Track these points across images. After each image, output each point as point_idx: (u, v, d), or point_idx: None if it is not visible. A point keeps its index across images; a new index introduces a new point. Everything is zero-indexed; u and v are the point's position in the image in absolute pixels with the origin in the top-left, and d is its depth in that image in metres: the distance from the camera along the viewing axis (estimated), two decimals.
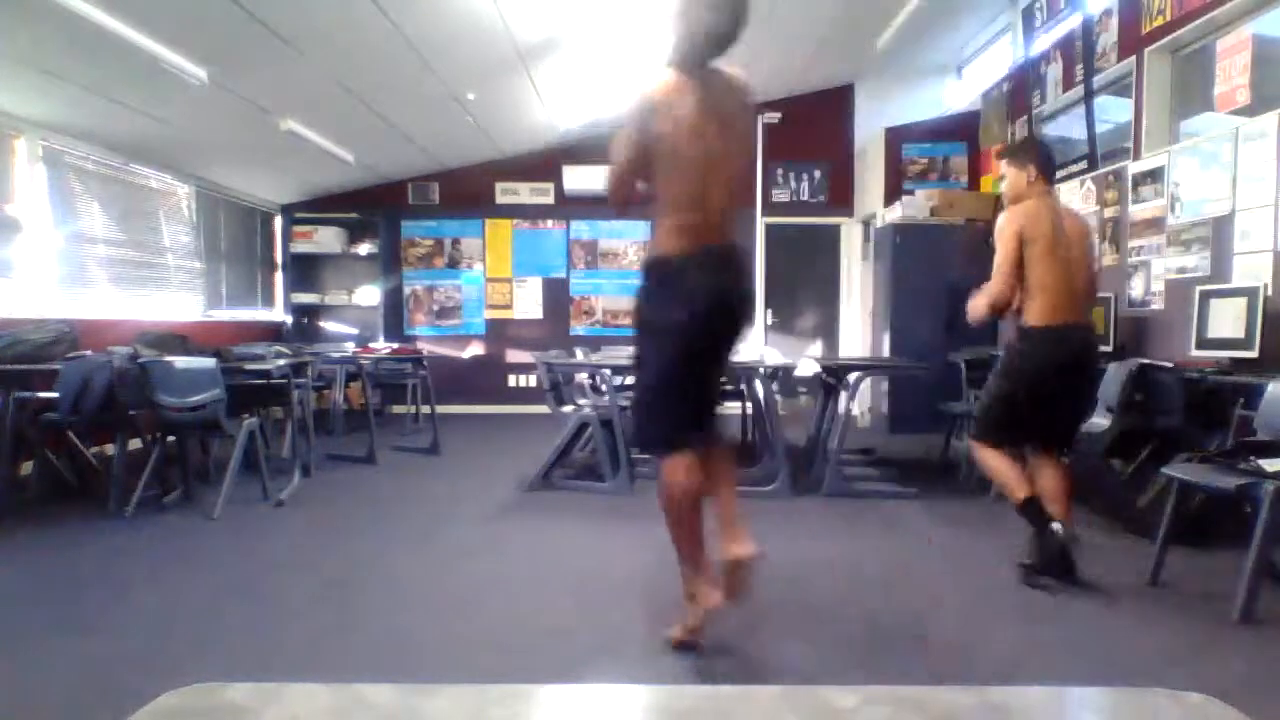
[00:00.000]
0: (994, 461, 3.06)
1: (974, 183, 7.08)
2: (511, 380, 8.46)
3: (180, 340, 4.55)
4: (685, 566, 2.40)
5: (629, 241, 8.39)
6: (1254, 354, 3.41)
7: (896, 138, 7.32)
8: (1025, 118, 6.03)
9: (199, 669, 2.21)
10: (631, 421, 2.48)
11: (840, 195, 8.23)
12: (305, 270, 8.26)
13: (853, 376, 4.76)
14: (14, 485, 4.24)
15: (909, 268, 6.50)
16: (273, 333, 7.87)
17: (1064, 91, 5.48)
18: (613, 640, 2.47)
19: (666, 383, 2.28)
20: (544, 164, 8.21)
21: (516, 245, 8.43)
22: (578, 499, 4.36)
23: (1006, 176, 3.15)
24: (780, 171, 8.25)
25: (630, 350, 2.38)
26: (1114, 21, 4.89)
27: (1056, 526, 2.85)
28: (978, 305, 3.04)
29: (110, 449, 4.51)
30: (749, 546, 2.34)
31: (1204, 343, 3.73)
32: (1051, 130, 5.95)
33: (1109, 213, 4.92)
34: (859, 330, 8.11)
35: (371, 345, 6.99)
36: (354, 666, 2.26)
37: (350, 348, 6.45)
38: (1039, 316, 2.94)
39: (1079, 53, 5.23)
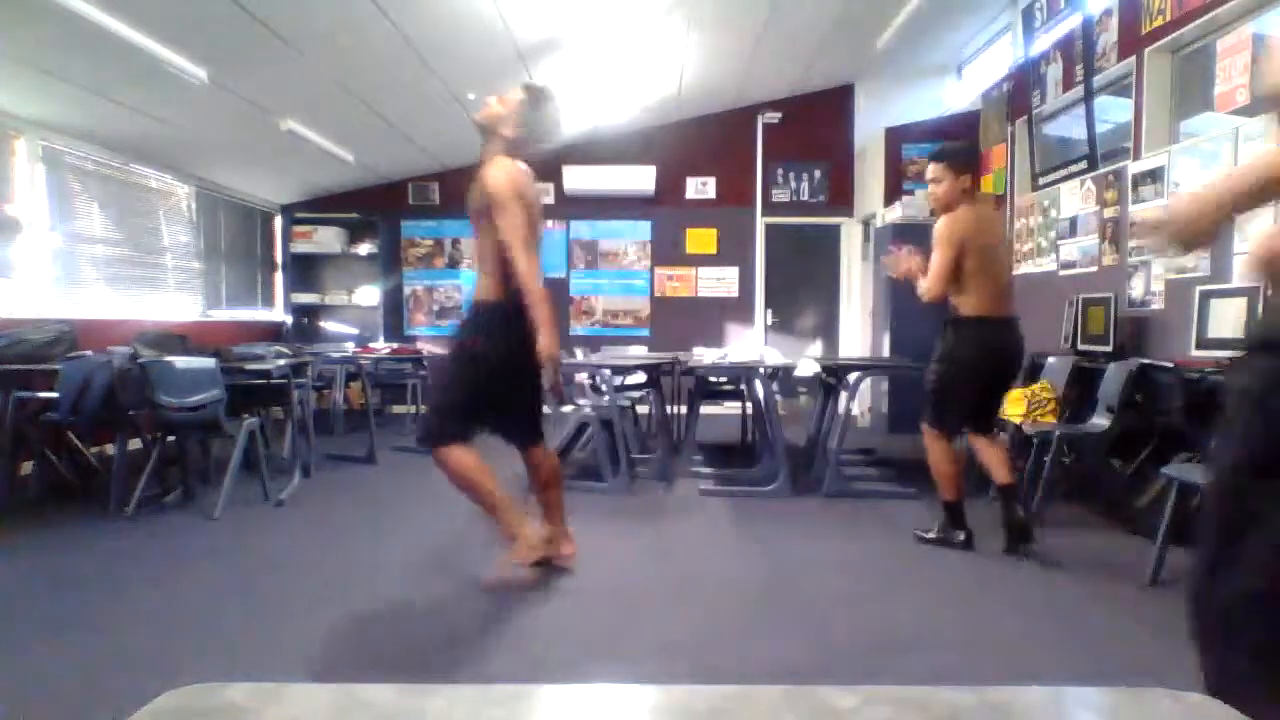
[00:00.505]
0: (941, 458, 3.41)
1: (974, 183, 7.08)
2: None
3: (180, 340, 4.55)
4: (498, 517, 2.88)
5: (629, 241, 8.39)
6: None
7: (896, 138, 7.32)
8: (1025, 118, 6.03)
9: (199, 669, 2.21)
10: (426, 416, 2.97)
11: (840, 195, 8.23)
12: (305, 270, 8.26)
13: (853, 376, 4.76)
14: (14, 485, 4.24)
15: None
16: (273, 333, 7.87)
17: (1064, 91, 5.49)
18: (612, 640, 2.47)
19: (472, 395, 2.80)
20: (544, 164, 8.18)
21: None
22: (577, 499, 4.36)
23: (943, 181, 3.39)
24: (780, 171, 8.25)
25: (448, 362, 2.90)
26: (1114, 21, 4.89)
27: (961, 536, 3.40)
28: (910, 275, 3.47)
29: (110, 449, 4.51)
30: (572, 547, 3.04)
31: (1204, 343, 3.73)
32: (1051, 130, 5.95)
33: (1109, 213, 4.92)
34: (859, 330, 8.11)
35: (371, 345, 7.00)
36: (354, 666, 2.26)
37: (350, 348, 6.46)
38: (979, 309, 3.29)
39: (1079, 53, 5.24)
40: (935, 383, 3.41)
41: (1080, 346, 4.73)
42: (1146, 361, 3.85)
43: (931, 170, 3.42)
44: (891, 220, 6.75)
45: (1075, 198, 5.31)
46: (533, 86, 3.00)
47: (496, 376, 2.80)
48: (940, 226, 3.32)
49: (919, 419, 3.49)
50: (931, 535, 3.49)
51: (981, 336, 3.30)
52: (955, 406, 3.35)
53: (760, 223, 8.27)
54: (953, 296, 3.34)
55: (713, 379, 5.89)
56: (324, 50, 4.96)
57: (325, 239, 8.09)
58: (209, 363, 3.97)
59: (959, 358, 3.33)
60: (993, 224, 3.39)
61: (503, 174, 2.83)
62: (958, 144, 3.65)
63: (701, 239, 8.34)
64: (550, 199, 8.34)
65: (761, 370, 4.75)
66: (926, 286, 3.30)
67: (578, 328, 8.42)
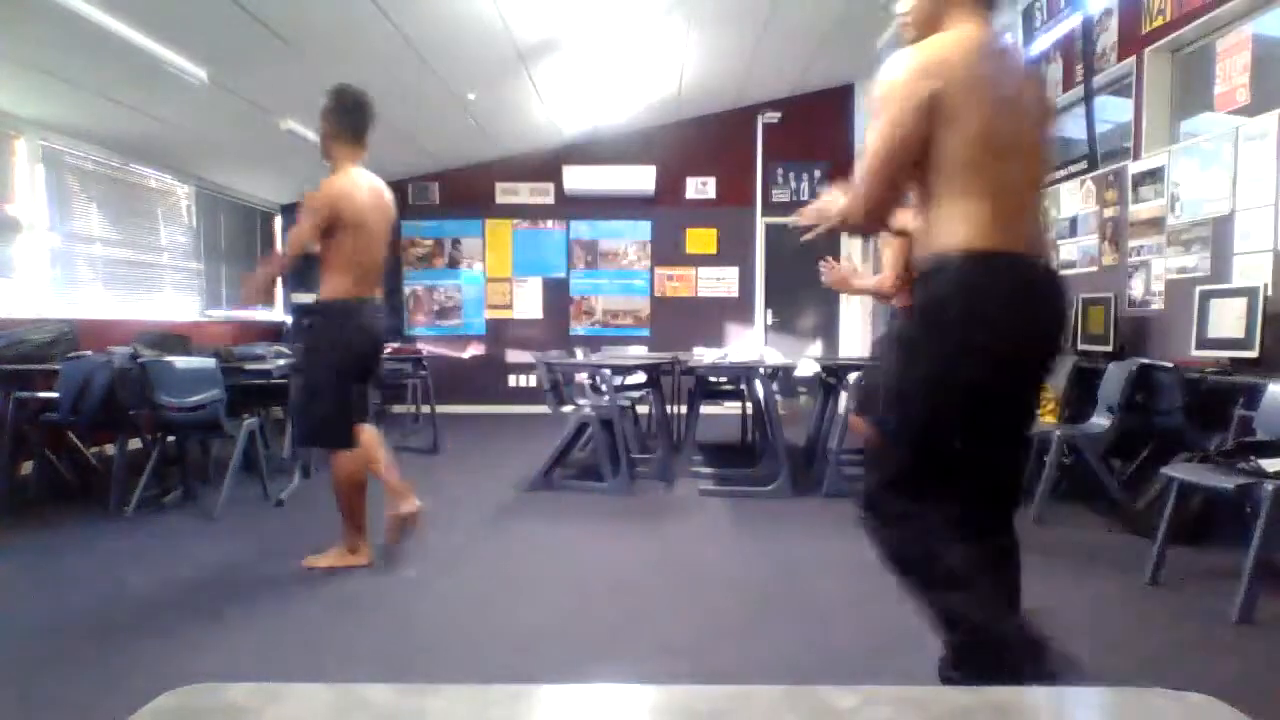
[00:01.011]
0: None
1: None
2: (511, 380, 8.46)
3: (180, 340, 4.55)
4: (349, 528, 3.14)
5: (629, 241, 8.39)
6: (1254, 354, 3.41)
7: None
8: None
9: (199, 669, 2.21)
10: (302, 424, 3.27)
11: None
12: (305, 270, 8.22)
13: (853, 376, 4.76)
14: (14, 485, 4.24)
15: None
16: (272, 333, 7.87)
17: (1064, 91, 5.48)
18: (612, 640, 2.47)
19: (342, 397, 3.06)
20: (544, 164, 8.21)
21: (516, 245, 8.43)
22: (578, 499, 4.36)
23: None
24: (780, 171, 8.25)
25: (307, 368, 3.18)
26: (1114, 21, 4.89)
27: None
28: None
29: (110, 449, 4.51)
30: (414, 504, 3.22)
31: (1204, 343, 3.73)
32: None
33: (1109, 213, 4.92)
34: (859, 330, 8.11)
35: None
36: (354, 666, 2.26)
37: None
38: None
39: (1079, 53, 5.23)
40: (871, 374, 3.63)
41: (1080, 346, 4.72)
42: (1146, 361, 3.85)
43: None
44: None
45: (1075, 198, 5.31)
46: (335, 88, 3.12)
47: (349, 367, 3.08)
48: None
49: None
50: None
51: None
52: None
53: (760, 223, 8.27)
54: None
55: (713, 379, 5.89)
56: (324, 50, 4.96)
57: None
58: (209, 363, 3.97)
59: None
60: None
61: (321, 188, 3.04)
62: None
63: (701, 239, 8.35)
64: (550, 199, 8.36)
65: (761, 370, 4.75)
66: (886, 277, 3.52)
67: (578, 328, 8.42)
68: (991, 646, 1.68)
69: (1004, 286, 1.63)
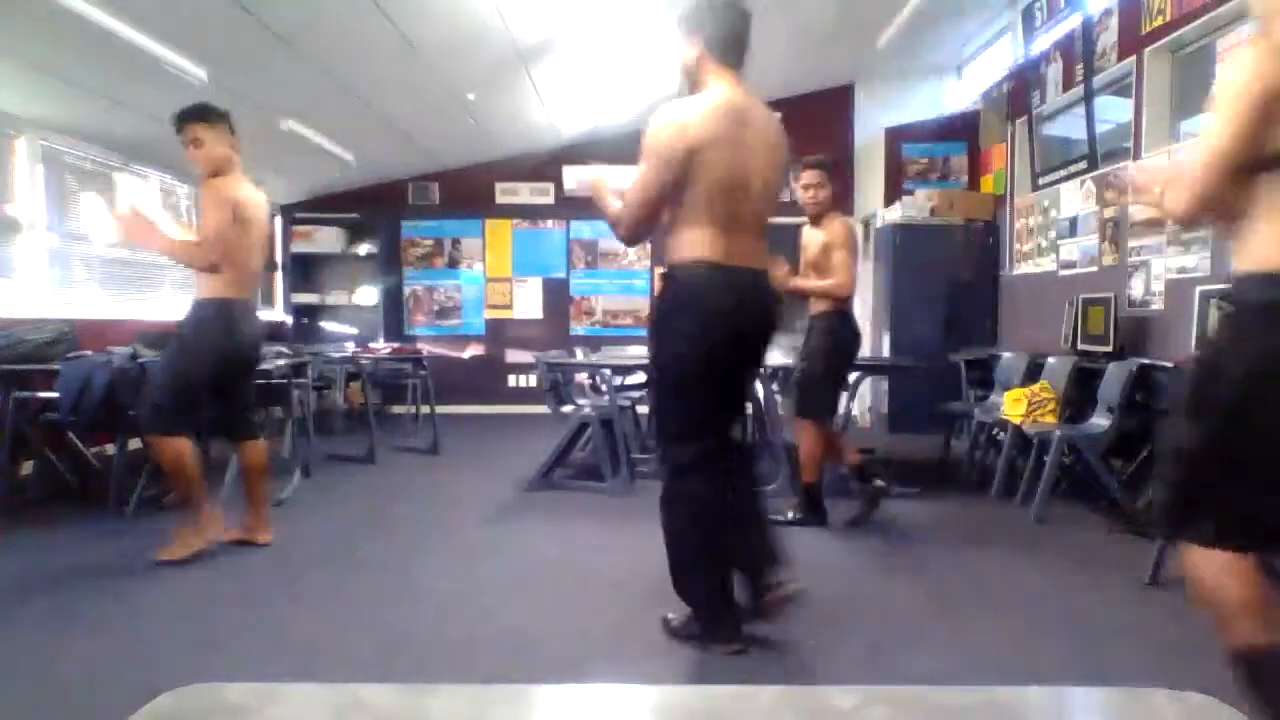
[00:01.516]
0: (816, 444, 3.77)
1: (974, 183, 7.09)
2: (511, 380, 8.46)
3: None
4: (192, 508, 3.20)
5: None
6: None
7: (896, 138, 7.31)
8: (1025, 118, 6.03)
9: (199, 669, 2.21)
10: (146, 405, 3.29)
11: (840, 195, 8.21)
12: (305, 270, 8.25)
13: (853, 376, 4.77)
14: (14, 485, 4.24)
15: (909, 268, 6.51)
16: (272, 333, 7.86)
17: (1064, 91, 5.49)
18: (612, 640, 2.47)
19: (187, 388, 3.14)
20: (544, 164, 8.21)
21: (516, 245, 8.43)
22: (578, 499, 4.36)
23: (824, 187, 4.12)
24: None
25: (171, 354, 3.27)
26: (1114, 21, 4.89)
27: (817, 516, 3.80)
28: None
29: (110, 449, 4.51)
30: (268, 536, 3.37)
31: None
32: (1051, 130, 5.95)
33: (1109, 213, 4.92)
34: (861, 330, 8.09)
35: (371, 345, 6.99)
36: (354, 666, 2.26)
37: (350, 348, 6.45)
38: (843, 306, 3.93)
39: (1079, 53, 5.24)
40: (811, 377, 3.83)
41: (1080, 346, 4.73)
42: (1146, 362, 3.85)
43: (812, 176, 4.05)
44: (891, 220, 6.75)
45: (1075, 198, 5.31)
46: (202, 107, 3.29)
47: (210, 367, 3.15)
48: (840, 231, 4.07)
49: (797, 414, 3.89)
50: (796, 516, 3.77)
51: (839, 325, 3.88)
52: (827, 391, 3.86)
53: None
54: (822, 302, 3.92)
55: None
56: (324, 50, 4.96)
57: (325, 239, 8.08)
58: None
59: (825, 348, 3.82)
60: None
61: (216, 185, 3.16)
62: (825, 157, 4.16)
63: None
64: (550, 199, 8.35)
65: (761, 370, 4.74)
66: (841, 282, 3.88)
67: (578, 328, 8.42)
68: (696, 618, 2.39)
69: (720, 286, 2.23)
